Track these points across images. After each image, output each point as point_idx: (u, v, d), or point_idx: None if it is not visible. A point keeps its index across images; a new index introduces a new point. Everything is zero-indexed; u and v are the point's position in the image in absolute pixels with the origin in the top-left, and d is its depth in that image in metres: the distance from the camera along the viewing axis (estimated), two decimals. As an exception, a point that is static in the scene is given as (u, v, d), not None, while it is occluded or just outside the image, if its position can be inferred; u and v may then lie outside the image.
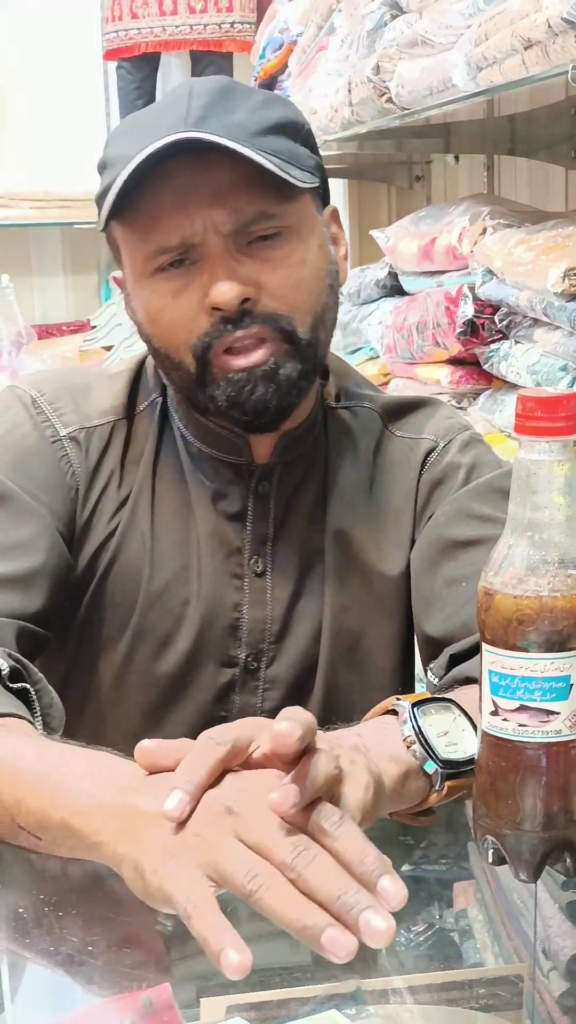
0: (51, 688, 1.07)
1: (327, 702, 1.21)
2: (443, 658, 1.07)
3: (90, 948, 0.88)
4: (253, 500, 1.20)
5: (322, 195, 1.18)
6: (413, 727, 0.91)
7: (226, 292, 1.07)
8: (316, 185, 1.14)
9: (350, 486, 1.23)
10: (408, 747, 0.91)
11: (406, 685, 1.28)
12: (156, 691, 1.21)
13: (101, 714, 1.22)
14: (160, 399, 1.23)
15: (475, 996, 0.83)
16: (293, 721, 0.75)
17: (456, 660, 1.08)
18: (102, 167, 1.12)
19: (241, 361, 1.09)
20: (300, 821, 0.75)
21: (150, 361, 1.25)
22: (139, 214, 1.10)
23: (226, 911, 0.73)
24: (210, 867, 0.75)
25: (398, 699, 0.95)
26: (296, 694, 1.21)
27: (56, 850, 0.88)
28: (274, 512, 1.21)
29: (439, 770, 0.90)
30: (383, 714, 0.96)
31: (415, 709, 0.92)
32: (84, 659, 1.22)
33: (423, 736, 0.91)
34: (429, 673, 1.08)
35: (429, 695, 0.95)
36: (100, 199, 1.11)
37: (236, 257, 1.09)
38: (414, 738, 0.91)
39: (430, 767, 0.91)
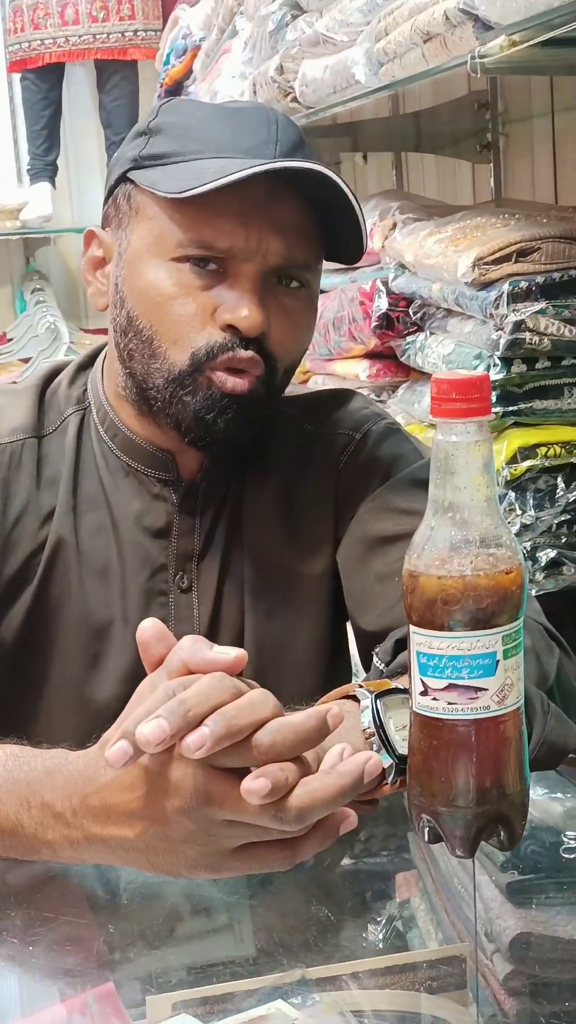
0: None
1: None
2: (388, 643, 1.07)
3: (31, 950, 0.88)
4: (178, 516, 1.20)
5: None
6: (374, 718, 0.92)
7: (254, 319, 1.08)
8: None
9: (265, 493, 1.22)
10: (367, 738, 0.91)
11: (339, 681, 1.28)
12: (89, 714, 1.19)
13: (34, 733, 1.21)
14: (79, 415, 1.22)
15: (419, 979, 0.84)
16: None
17: (402, 645, 1.08)
18: (156, 131, 1.12)
19: (231, 381, 1.10)
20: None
21: (62, 378, 1.24)
22: (199, 203, 1.08)
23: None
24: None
25: (360, 685, 0.95)
26: None
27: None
28: (199, 528, 1.20)
29: (394, 764, 0.91)
30: (342, 698, 0.96)
31: (378, 700, 0.93)
32: (15, 686, 1.20)
33: (383, 729, 0.91)
34: (375, 658, 1.08)
35: (391, 684, 0.95)
36: (149, 160, 1.11)
37: (266, 288, 1.10)
38: (372, 730, 0.91)
39: (385, 760, 0.91)
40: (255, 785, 0.76)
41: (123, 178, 1.14)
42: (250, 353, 1.09)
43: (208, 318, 1.09)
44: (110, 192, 1.17)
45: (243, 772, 0.78)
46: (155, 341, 1.11)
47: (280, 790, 0.77)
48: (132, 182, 1.13)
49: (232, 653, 0.82)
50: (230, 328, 1.09)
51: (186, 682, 0.80)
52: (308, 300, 1.14)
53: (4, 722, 1.16)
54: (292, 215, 1.10)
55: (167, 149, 1.10)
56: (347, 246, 1.14)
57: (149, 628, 0.84)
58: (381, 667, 1.06)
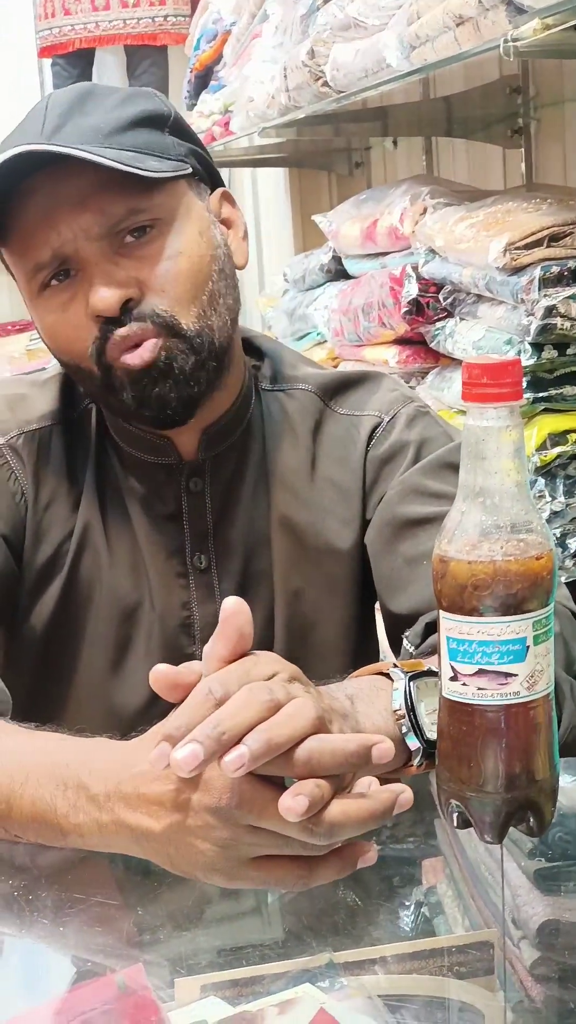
0: None
1: None
2: (419, 626, 1.07)
3: (62, 930, 0.88)
4: (187, 498, 1.20)
5: (210, 180, 1.18)
6: (406, 700, 0.92)
7: (106, 298, 1.08)
8: (189, 171, 1.13)
9: (291, 470, 1.22)
10: (397, 719, 0.92)
11: (367, 662, 1.28)
12: (120, 698, 1.20)
13: (64, 723, 1.22)
14: (93, 405, 1.23)
15: (447, 964, 0.84)
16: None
17: (432, 628, 1.08)
18: None
19: (135, 360, 1.09)
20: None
21: None
22: (13, 234, 1.10)
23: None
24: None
25: (395, 664, 0.95)
26: None
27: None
28: (210, 507, 1.20)
29: (421, 748, 0.91)
30: (375, 674, 0.96)
31: (411, 683, 0.93)
32: (48, 672, 1.21)
33: (414, 712, 0.91)
34: (405, 641, 1.08)
35: (424, 666, 0.95)
36: None
37: (112, 260, 1.09)
38: (404, 712, 0.91)
39: (413, 742, 0.91)
40: (293, 804, 0.75)
41: None
42: (124, 329, 1.09)
43: (86, 321, 1.10)
44: None
45: (276, 778, 0.78)
46: (75, 366, 1.14)
47: (316, 807, 0.76)
48: None
49: (228, 603, 0.81)
50: (99, 318, 1.09)
51: (224, 681, 0.79)
52: (165, 232, 1.11)
53: (37, 708, 1.17)
54: (84, 184, 1.08)
55: None
56: (165, 148, 1.12)
57: (161, 677, 0.82)
58: (411, 650, 1.07)
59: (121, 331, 1.09)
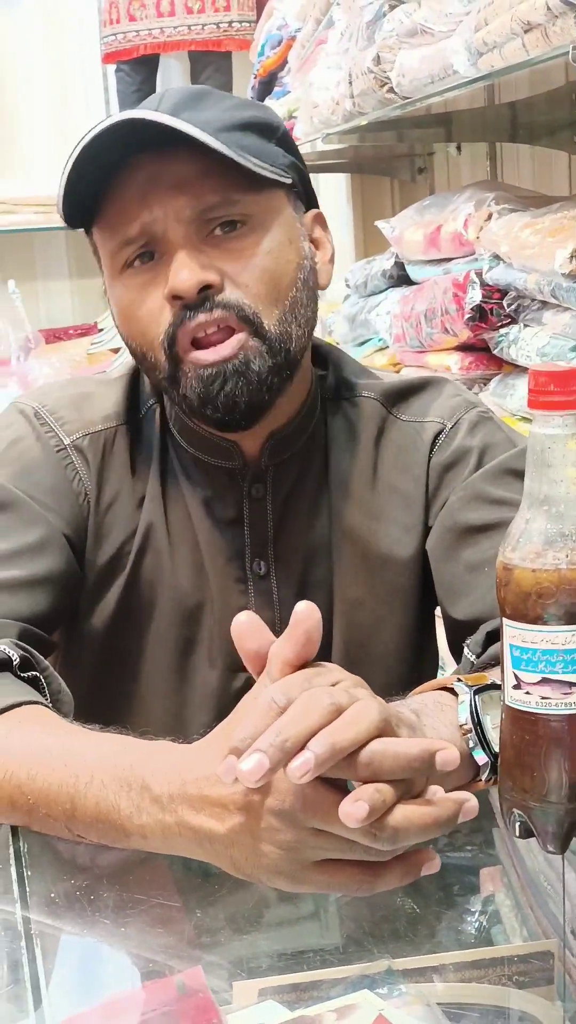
0: (57, 675, 1.09)
1: None
2: (480, 635, 1.07)
3: (122, 930, 0.89)
4: (248, 504, 1.20)
5: (306, 199, 1.18)
6: (472, 714, 0.92)
7: (186, 279, 1.07)
8: (288, 182, 1.14)
9: (353, 478, 1.22)
10: (463, 733, 0.91)
11: (425, 671, 1.28)
12: (182, 699, 1.20)
13: (128, 724, 1.22)
14: (158, 405, 1.23)
15: (506, 973, 0.83)
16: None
17: (493, 637, 1.08)
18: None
19: (210, 355, 1.09)
20: None
21: None
22: (107, 210, 1.11)
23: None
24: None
25: (459, 679, 0.95)
26: None
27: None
28: (271, 514, 1.20)
29: (489, 762, 0.90)
30: (438, 689, 0.96)
31: (476, 697, 0.92)
32: (111, 672, 1.22)
33: (480, 726, 0.91)
34: (466, 649, 1.08)
35: (488, 680, 0.94)
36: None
37: (198, 246, 1.09)
38: (470, 726, 0.91)
39: (480, 756, 0.91)
40: (353, 810, 0.75)
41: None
42: (204, 315, 1.08)
43: (163, 306, 1.10)
44: None
45: (340, 781, 0.78)
46: (143, 352, 1.13)
47: (377, 813, 0.76)
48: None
49: (300, 607, 0.82)
50: (177, 299, 1.08)
51: (286, 689, 0.80)
52: (256, 230, 1.11)
53: (101, 709, 1.18)
54: (186, 168, 1.08)
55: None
56: (271, 155, 1.12)
57: (244, 622, 0.84)
58: (472, 658, 1.06)
59: (201, 316, 1.08)
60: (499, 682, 0.92)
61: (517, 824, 0.79)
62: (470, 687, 0.93)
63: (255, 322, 1.09)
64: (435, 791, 0.81)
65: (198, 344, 1.09)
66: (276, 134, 1.13)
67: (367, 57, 2.47)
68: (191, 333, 1.09)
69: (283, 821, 0.79)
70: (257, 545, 1.20)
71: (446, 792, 0.82)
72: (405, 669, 1.23)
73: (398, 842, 0.78)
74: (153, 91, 4.91)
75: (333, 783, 0.78)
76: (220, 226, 1.09)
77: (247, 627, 0.84)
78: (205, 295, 1.08)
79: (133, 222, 1.09)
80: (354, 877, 0.80)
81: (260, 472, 1.20)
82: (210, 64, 4.76)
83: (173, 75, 5.06)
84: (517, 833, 0.80)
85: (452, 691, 0.95)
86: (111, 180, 1.09)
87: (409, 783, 0.79)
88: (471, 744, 0.91)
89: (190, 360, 1.09)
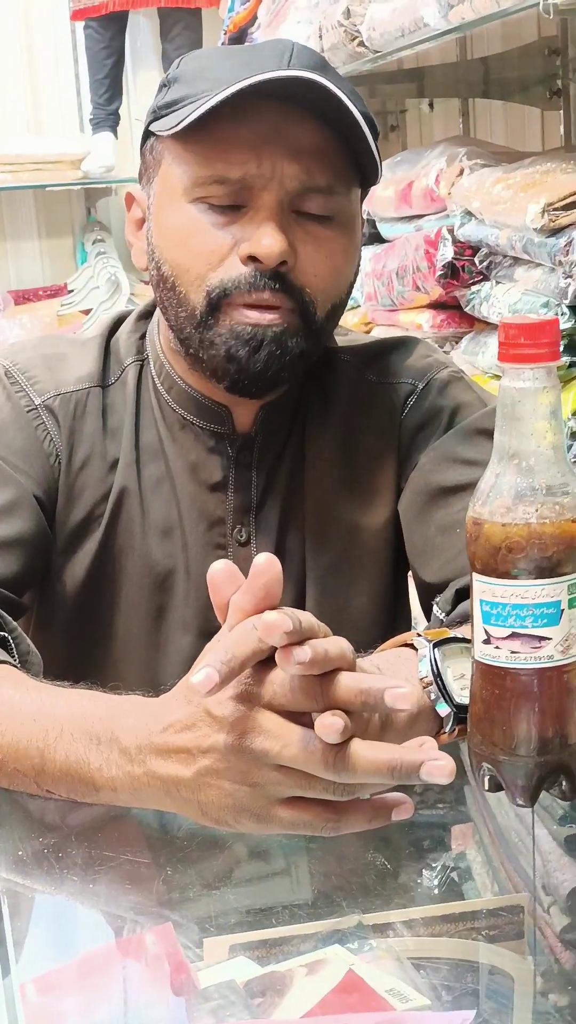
0: (25, 636, 1.08)
1: None
2: (449, 592, 1.07)
3: (91, 888, 0.89)
4: (234, 470, 1.19)
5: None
6: (432, 667, 0.92)
7: (272, 245, 1.05)
8: (373, 184, 1.14)
9: (327, 445, 1.21)
10: (424, 687, 0.91)
11: (400, 633, 1.28)
12: (155, 666, 1.20)
13: (102, 686, 1.22)
14: (136, 366, 1.21)
15: (476, 928, 0.84)
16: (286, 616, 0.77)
17: (463, 595, 1.08)
18: (174, 80, 1.10)
19: (255, 315, 1.07)
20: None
21: (124, 327, 1.24)
22: (210, 137, 1.07)
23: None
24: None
25: (419, 634, 0.95)
26: None
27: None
28: (256, 482, 1.20)
29: (452, 713, 0.90)
30: (401, 646, 0.96)
31: (436, 650, 0.92)
32: (84, 636, 1.21)
33: (441, 678, 0.91)
34: (435, 607, 1.07)
35: (449, 633, 0.95)
36: (165, 108, 1.09)
37: (288, 218, 1.07)
38: (431, 679, 0.91)
39: (443, 709, 0.91)
40: (333, 721, 0.75)
41: (147, 132, 1.14)
42: (269, 293, 1.07)
43: (226, 254, 1.07)
44: (141, 149, 1.16)
45: (301, 717, 0.79)
46: (177, 285, 1.10)
47: (347, 734, 0.76)
48: (153, 134, 1.13)
49: (260, 559, 0.81)
50: (252, 261, 1.06)
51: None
52: (341, 229, 1.10)
53: (75, 671, 1.17)
54: (308, 138, 1.06)
55: (182, 94, 1.09)
56: (363, 168, 1.11)
57: (221, 571, 0.84)
58: (441, 616, 1.06)
59: (265, 293, 1.07)
60: (460, 636, 0.93)
61: (487, 778, 0.79)
62: (430, 641, 0.93)
63: (309, 310, 1.09)
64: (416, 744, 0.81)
65: (247, 305, 1.08)
66: (377, 133, 1.11)
67: (337, 11, 2.45)
68: (247, 300, 1.08)
69: (244, 758, 0.79)
70: (240, 512, 1.19)
71: None
72: (379, 632, 1.23)
73: (354, 774, 0.77)
74: (122, 48, 4.85)
75: (293, 718, 0.79)
76: (311, 213, 1.08)
77: (224, 575, 0.84)
78: (277, 269, 1.07)
79: (236, 165, 1.06)
80: (320, 815, 0.80)
81: (248, 439, 1.19)
82: (179, 21, 4.71)
83: (142, 32, 5.00)
84: (487, 787, 0.80)
85: (413, 646, 0.94)
86: (224, 111, 1.04)
87: (365, 721, 0.80)
88: (432, 696, 0.91)
89: (235, 314, 1.08)
